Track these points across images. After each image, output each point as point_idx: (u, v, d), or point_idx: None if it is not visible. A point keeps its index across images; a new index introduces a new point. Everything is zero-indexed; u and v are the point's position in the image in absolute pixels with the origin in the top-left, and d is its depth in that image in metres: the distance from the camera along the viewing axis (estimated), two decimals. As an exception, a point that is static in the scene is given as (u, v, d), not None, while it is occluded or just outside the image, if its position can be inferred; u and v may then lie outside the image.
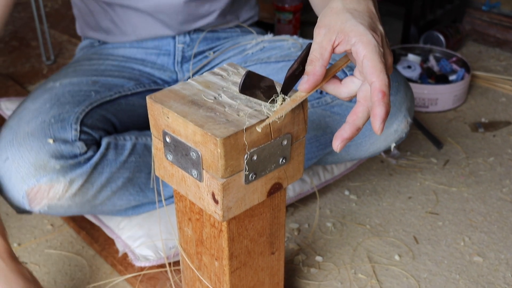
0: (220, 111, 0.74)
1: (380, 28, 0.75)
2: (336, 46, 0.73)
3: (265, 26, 2.02)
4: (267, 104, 0.74)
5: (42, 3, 1.95)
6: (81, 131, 1.02)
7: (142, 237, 1.15)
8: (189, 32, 1.25)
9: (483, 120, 1.71)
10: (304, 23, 2.17)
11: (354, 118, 0.72)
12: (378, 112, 0.69)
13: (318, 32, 0.74)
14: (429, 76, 1.82)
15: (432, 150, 1.56)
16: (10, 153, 0.98)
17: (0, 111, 1.57)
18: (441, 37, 2.04)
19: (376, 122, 0.69)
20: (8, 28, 2.17)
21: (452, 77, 1.81)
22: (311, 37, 0.78)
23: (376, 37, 0.71)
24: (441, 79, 1.80)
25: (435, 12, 2.13)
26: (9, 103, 1.59)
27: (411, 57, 1.91)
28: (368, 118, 0.73)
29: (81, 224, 1.24)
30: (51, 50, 2.02)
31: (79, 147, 1.00)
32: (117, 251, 1.18)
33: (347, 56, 0.78)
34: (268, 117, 0.72)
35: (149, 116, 0.79)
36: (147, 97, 0.78)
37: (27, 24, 2.31)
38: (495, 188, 1.41)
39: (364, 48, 0.70)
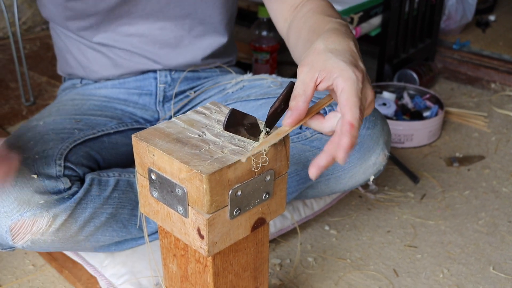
0: (204, 148, 0.76)
1: (361, 65, 0.78)
2: (319, 83, 0.76)
3: (243, 66, 2.06)
4: (250, 140, 0.77)
5: (21, 45, 1.96)
6: (65, 167, 1.03)
7: (125, 275, 1.15)
8: (170, 72, 1.28)
9: (457, 154, 1.75)
10: (281, 62, 2.21)
11: (330, 147, 0.74)
12: (344, 143, 0.71)
13: (301, 70, 0.77)
14: (404, 113, 1.86)
15: (409, 184, 1.59)
16: None
17: (-20, 152, 1.57)
18: (414, 75, 2.09)
19: (340, 152, 0.71)
20: (-13, 70, 2.19)
21: (426, 114, 1.86)
22: (288, 76, 0.81)
23: (357, 73, 0.74)
24: (416, 115, 1.84)
25: (408, 51, 2.19)
26: (-11, 144, 1.60)
27: (386, 94, 1.96)
28: None
29: (64, 264, 1.24)
30: (31, 91, 2.03)
31: (63, 182, 1.01)
32: (100, 290, 1.18)
33: (331, 95, 0.80)
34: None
35: (135, 154, 0.81)
36: (133, 136, 0.80)
37: (6, 66, 2.32)
38: (472, 221, 1.44)
39: (343, 82, 0.73)
